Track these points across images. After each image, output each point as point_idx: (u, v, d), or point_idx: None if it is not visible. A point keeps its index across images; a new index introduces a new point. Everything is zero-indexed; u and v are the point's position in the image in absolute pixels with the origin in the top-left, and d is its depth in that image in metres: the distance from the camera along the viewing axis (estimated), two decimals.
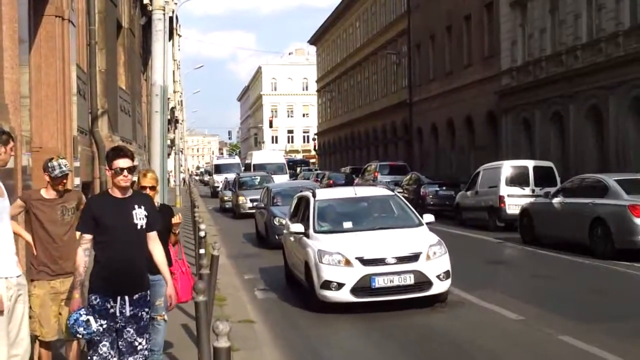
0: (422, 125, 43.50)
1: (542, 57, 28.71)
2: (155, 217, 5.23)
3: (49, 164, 5.81)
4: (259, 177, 31.91)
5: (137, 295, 4.97)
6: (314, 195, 11.33)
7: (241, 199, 27.95)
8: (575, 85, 26.02)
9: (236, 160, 54.92)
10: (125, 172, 4.95)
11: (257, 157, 45.82)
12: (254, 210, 26.19)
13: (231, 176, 36.73)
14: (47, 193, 5.92)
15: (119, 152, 5.06)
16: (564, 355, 7.41)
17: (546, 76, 28.18)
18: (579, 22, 26.06)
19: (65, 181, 5.94)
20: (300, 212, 11.79)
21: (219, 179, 42.72)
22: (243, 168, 46.13)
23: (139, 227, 5.01)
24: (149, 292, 5.14)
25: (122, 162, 4.96)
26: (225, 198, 32.34)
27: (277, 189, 20.27)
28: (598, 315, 9.13)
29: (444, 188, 25.77)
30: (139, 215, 5.01)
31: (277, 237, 15.81)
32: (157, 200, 6.48)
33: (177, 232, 6.54)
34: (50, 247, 5.84)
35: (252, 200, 26.99)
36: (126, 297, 4.92)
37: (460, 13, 37.16)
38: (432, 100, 40.97)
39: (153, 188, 6.24)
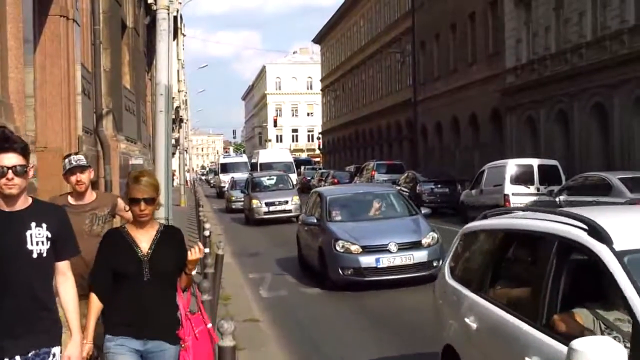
0: (426, 123, 43.49)
1: (546, 55, 28.66)
2: (68, 239, 3.66)
3: (63, 163, 5.23)
4: (275, 177, 28.09)
5: (32, 353, 3.44)
6: (607, 244, 3.54)
7: (255, 203, 24.36)
8: (580, 83, 25.97)
9: (243, 158, 52.83)
10: (10, 174, 3.35)
11: (263, 156, 44.67)
12: (270, 216, 23.73)
13: (238, 175, 35.84)
14: (74, 198, 5.23)
15: (2, 143, 3.41)
16: None
17: (551, 74, 28.13)
18: (583, 20, 26.00)
19: (79, 178, 5.20)
20: (556, 281, 3.95)
21: (225, 179, 41.08)
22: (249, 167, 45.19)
23: (35, 255, 3.43)
24: (57, 349, 3.54)
25: (7, 159, 3.36)
26: (233, 198, 30.57)
27: (334, 196, 13.70)
28: None
29: (439, 185, 26.31)
30: (37, 238, 3.44)
31: (341, 272, 11.08)
32: (163, 219, 4.74)
33: (191, 272, 4.20)
34: (74, 263, 4.81)
35: (267, 204, 24.09)
36: (17, 358, 3.40)
37: (464, 11, 37.13)
38: (437, 99, 40.94)
39: (150, 201, 4.01)
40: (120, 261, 3.99)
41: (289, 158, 45.03)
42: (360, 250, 11.09)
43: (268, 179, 27.72)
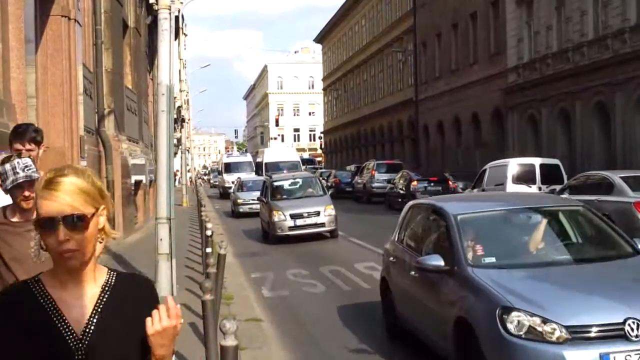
0: (428, 122, 43.50)
1: (548, 54, 28.67)
2: None
3: (2, 168, 3.69)
4: (300, 180, 21.61)
5: None
6: None
7: (277, 215, 18.67)
8: (582, 82, 25.97)
9: (247, 158, 49.65)
10: None
11: (269, 155, 42.03)
12: (297, 232, 18.52)
13: (244, 176, 34.89)
14: (16, 215, 3.73)
15: None
16: None
17: (552, 73, 28.14)
18: (585, 19, 26.00)
19: (27, 194, 3.60)
20: None
21: (230, 179, 39.85)
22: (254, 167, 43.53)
23: None
24: None
25: None
26: (239, 201, 28.29)
27: (468, 215, 7.03)
28: None
29: (432, 184, 27.19)
30: None
31: None
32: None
33: (162, 357, 1.97)
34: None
35: (293, 217, 18.56)
36: None
37: (466, 10, 37.15)
38: (439, 98, 40.96)
39: (79, 223, 1.90)
40: (31, 355, 1.92)
41: (296, 157, 42.85)
42: (566, 335, 5.02)
43: (292, 183, 21.45)
